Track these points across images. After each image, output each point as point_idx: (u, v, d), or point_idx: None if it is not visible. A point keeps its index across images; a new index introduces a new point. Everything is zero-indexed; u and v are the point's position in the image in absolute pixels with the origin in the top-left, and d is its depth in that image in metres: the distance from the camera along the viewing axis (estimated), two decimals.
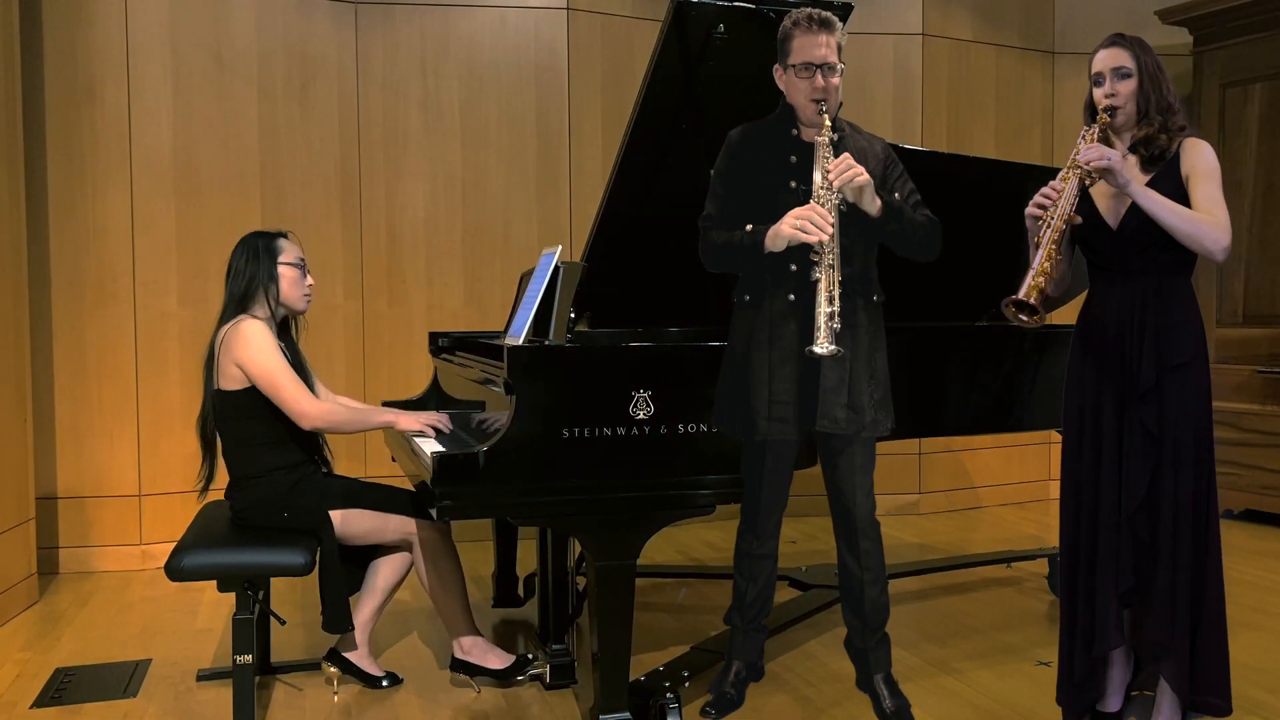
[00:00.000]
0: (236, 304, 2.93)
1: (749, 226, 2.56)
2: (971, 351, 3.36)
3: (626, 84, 5.07)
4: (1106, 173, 2.34)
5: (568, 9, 4.98)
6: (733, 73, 2.91)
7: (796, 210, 2.45)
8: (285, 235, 3.03)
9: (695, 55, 2.89)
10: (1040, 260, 2.32)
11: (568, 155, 5.05)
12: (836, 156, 2.47)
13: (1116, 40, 2.48)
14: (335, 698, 2.97)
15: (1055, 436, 5.39)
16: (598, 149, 5.10)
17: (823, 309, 2.37)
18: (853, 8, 2.87)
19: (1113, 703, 2.60)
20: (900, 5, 5.52)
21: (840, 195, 2.46)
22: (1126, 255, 2.46)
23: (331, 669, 3.02)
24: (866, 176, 2.47)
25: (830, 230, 2.40)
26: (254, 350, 2.81)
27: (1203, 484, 2.44)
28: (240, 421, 2.87)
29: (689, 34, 2.84)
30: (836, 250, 2.41)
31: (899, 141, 3.06)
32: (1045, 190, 2.39)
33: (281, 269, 2.96)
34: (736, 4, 2.81)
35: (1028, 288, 2.29)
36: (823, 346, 2.36)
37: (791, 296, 2.56)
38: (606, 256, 3.09)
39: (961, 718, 2.81)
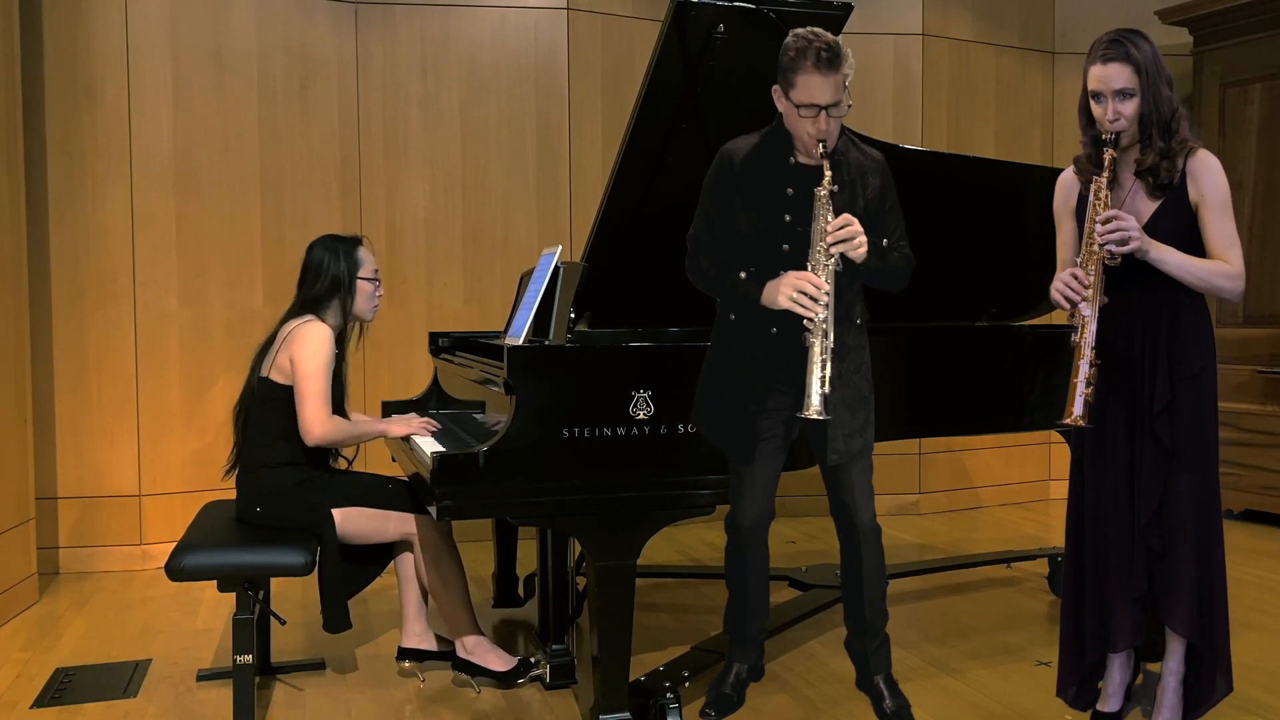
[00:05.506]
0: (309, 305, 3.00)
1: (743, 274, 2.54)
2: (972, 352, 3.36)
3: (626, 84, 5.07)
4: (1133, 252, 2.32)
5: (568, 9, 4.97)
6: (733, 73, 2.91)
7: (791, 279, 2.42)
8: (362, 242, 3.10)
9: (695, 55, 2.89)
10: (1082, 370, 2.29)
11: (568, 155, 5.05)
12: (836, 199, 2.45)
13: (1112, 55, 2.35)
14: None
15: (1055, 436, 5.40)
16: (598, 149, 5.10)
17: (815, 374, 2.37)
18: (853, 7, 2.87)
19: (1113, 704, 2.60)
20: (900, 5, 5.52)
21: (836, 258, 2.43)
22: (1138, 274, 2.42)
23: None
24: (865, 248, 2.44)
25: (825, 300, 2.39)
26: (309, 352, 2.88)
27: (1213, 485, 2.46)
28: (273, 411, 2.93)
29: (689, 34, 2.84)
30: (831, 318, 2.40)
31: (899, 141, 3.06)
32: (1070, 284, 2.34)
33: (360, 284, 3.04)
34: (736, 4, 2.81)
35: (1079, 406, 2.27)
36: (811, 415, 2.37)
37: (775, 329, 2.55)
38: (606, 257, 3.09)
39: (961, 718, 2.81)
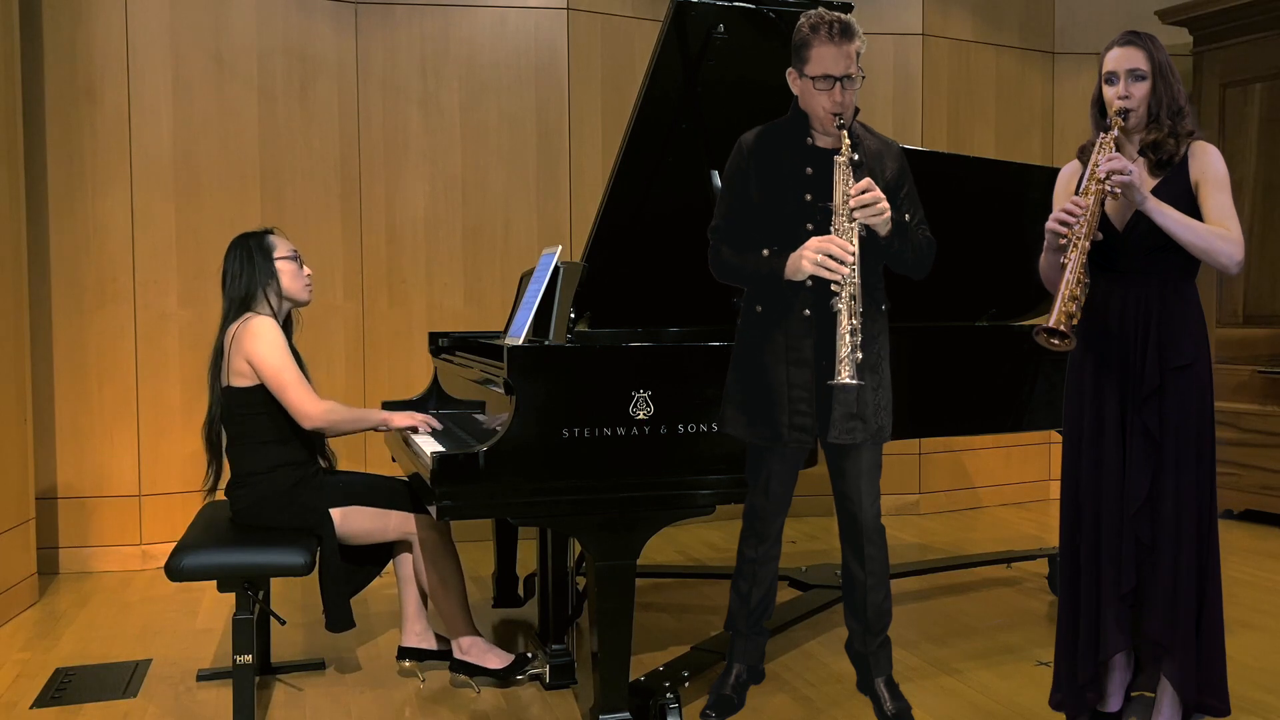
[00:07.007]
0: (239, 306, 2.94)
1: (765, 251, 2.52)
2: (972, 352, 3.36)
3: (626, 84, 5.07)
4: (1127, 188, 2.31)
5: (568, 9, 4.98)
6: (733, 73, 2.91)
7: (815, 243, 2.40)
8: (272, 231, 3.04)
9: (695, 55, 2.89)
10: (1069, 283, 2.27)
11: (568, 155, 5.05)
12: (855, 174, 2.41)
13: (1132, 39, 2.45)
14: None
15: (1055, 436, 5.40)
16: (598, 149, 5.10)
17: (845, 340, 2.33)
18: (852, 7, 2.87)
19: (1113, 703, 2.60)
20: (900, 5, 5.53)
21: (859, 224, 2.41)
22: (1133, 257, 2.44)
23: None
24: (889, 210, 2.42)
25: (851, 262, 2.35)
26: (264, 345, 2.83)
27: (1204, 485, 2.44)
28: (248, 418, 2.89)
29: (689, 34, 2.84)
30: (857, 281, 2.36)
31: (899, 142, 3.06)
32: (1068, 206, 2.33)
33: (279, 264, 2.98)
34: (736, 4, 2.81)
35: (1059, 314, 2.23)
36: (843, 381, 2.33)
37: (807, 312, 2.53)
38: (606, 256, 3.09)
39: (961, 718, 2.81)
